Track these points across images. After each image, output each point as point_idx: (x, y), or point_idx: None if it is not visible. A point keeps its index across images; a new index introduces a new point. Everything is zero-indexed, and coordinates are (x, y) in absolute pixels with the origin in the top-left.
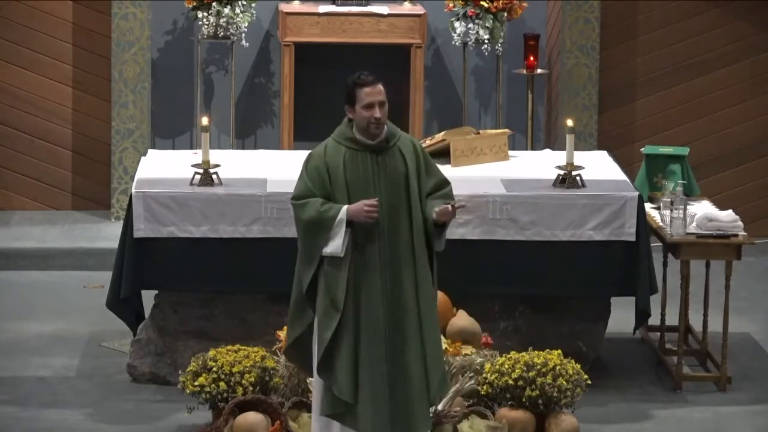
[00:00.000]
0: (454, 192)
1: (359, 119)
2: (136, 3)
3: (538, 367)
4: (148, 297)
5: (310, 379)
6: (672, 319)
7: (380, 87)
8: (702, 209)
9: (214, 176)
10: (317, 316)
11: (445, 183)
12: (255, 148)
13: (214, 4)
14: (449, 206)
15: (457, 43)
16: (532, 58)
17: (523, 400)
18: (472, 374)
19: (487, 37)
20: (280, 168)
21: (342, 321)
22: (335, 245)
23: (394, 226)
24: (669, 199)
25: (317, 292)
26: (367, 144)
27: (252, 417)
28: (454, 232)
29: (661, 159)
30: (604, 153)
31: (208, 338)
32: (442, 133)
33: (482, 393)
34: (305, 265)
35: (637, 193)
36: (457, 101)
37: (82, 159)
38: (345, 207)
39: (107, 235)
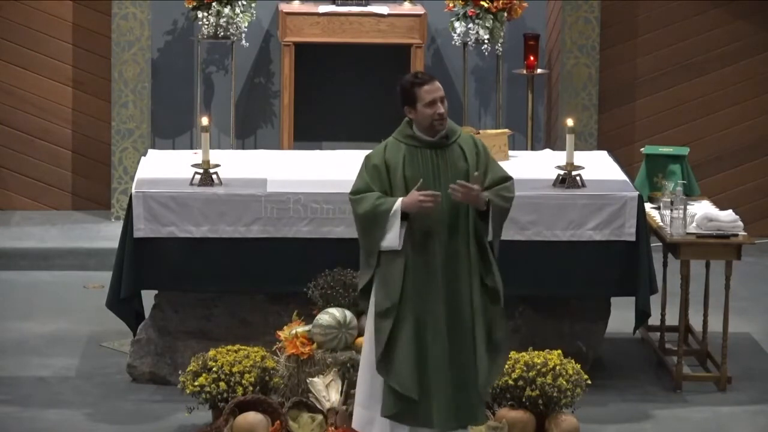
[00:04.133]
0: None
1: (422, 117)
2: (136, 3)
3: (538, 367)
4: (148, 297)
5: (311, 379)
6: (672, 319)
7: (438, 83)
8: (702, 209)
9: (214, 176)
10: (374, 314)
11: (504, 179)
12: (255, 148)
13: (214, 4)
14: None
15: (457, 43)
16: (532, 58)
17: (523, 400)
18: None
19: (487, 37)
20: (280, 168)
21: (402, 317)
22: (391, 238)
23: (453, 222)
24: (669, 199)
25: (372, 291)
26: (427, 141)
27: (252, 417)
28: None
29: (661, 159)
30: (604, 153)
31: (208, 338)
32: None
33: None
34: (365, 259)
35: (637, 193)
36: (457, 101)
37: (82, 159)
38: (400, 199)
39: (107, 235)
